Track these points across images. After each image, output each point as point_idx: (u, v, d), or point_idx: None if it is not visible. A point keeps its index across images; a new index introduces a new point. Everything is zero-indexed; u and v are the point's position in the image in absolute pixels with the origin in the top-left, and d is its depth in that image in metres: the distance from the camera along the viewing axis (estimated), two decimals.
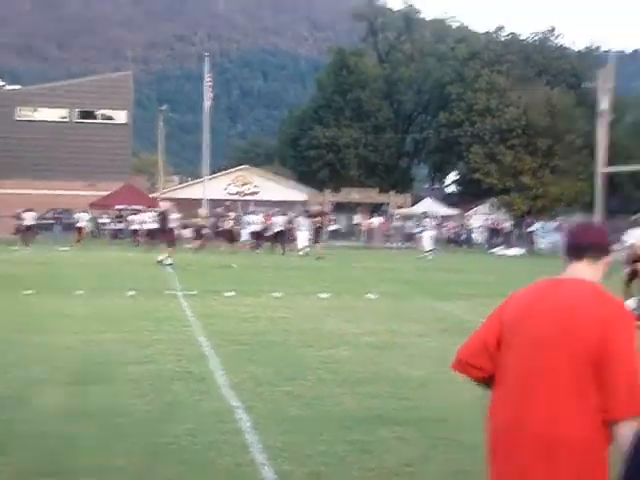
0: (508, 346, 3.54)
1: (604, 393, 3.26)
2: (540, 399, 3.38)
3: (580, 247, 3.58)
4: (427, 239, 41.34)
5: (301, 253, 38.42)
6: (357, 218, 59.12)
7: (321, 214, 39.67)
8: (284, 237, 41.87)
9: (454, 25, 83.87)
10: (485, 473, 6.56)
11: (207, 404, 8.64)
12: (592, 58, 71.12)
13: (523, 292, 3.69)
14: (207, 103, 52.78)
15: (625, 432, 3.20)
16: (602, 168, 51.00)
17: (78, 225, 46.00)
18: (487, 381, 3.69)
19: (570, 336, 3.34)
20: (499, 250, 49.27)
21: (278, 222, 42.90)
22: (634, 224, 19.19)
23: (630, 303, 9.25)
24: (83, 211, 48.45)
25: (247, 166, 65.69)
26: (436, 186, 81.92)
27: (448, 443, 7.45)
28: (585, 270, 3.55)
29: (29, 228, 43.72)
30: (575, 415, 3.27)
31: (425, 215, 47.38)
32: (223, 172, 63.94)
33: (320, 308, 17.84)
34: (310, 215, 39.41)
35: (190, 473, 6.41)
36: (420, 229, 44.43)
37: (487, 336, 3.64)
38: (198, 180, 59.32)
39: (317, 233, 37.77)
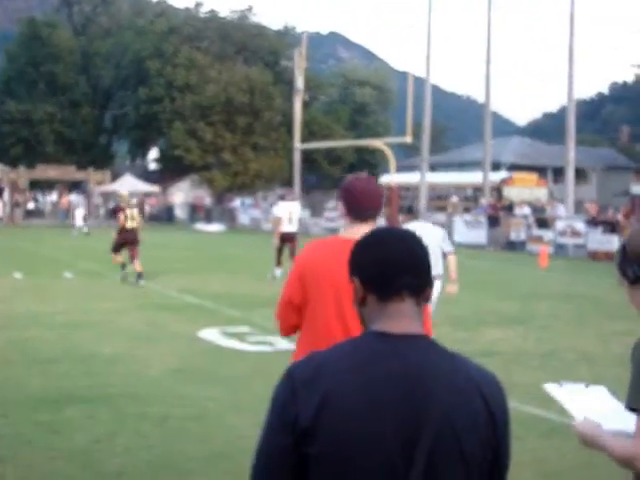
0: (313, 298, 3.78)
1: None
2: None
3: (369, 213, 3.88)
4: (79, 216, 41.53)
5: None
6: (55, 196, 57.42)
7: None
8: None
9: None
10: (175, 442, 6.64)
11: None
12: (289, 38, 73.12)
13: (316, 250, 3.92)
14: None
15: None
16: (299, 145, 52.82)
17: None
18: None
19: None
20: (201, 226, 49.72)
21: None
22: (281, 197, 21.26)
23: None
24: None
25: None
26: (137, 162, 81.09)
27: (138, 417, 7.45)
28: (367, 230, 3.87)
29: None
30: None
31: (78, 192, 47.43)
32: None
33: (13, 289, 17.18)
34: None
35: None
36: (73, 206, 44.28)
37: (291, 296, 3.85)
38: None
39: None
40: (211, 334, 11.82)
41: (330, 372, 1.99)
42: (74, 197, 44.87)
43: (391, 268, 2.08)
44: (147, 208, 57.03)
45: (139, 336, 11.63)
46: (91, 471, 6.02)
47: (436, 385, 1.98)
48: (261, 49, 72.05)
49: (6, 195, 53.27)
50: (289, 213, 19.81)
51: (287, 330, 4.04)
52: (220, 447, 6.68)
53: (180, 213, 58.63)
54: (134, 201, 21.07)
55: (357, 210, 3.87)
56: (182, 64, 65.46)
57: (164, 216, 56.52)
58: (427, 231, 9.99)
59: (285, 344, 11.17)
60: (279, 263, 19.60)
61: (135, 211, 19.20)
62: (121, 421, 7.33)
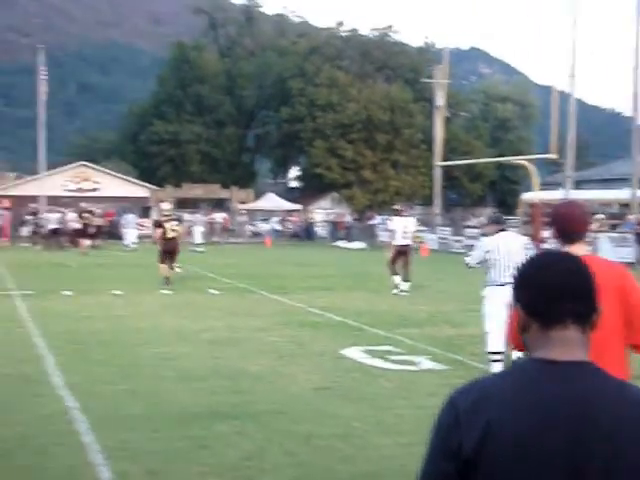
0: None
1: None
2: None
3: (574, 235, 4.24)
4: (197, 233, 42.70)
5: (132, 247, 38.70)
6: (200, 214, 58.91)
7: (88, 211, 40.57)
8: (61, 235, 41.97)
9: (295, 20, 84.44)
10: (322, 461, 6.68)
11: (41, 406, 8.43)
12: (429, 54, 72.99)
13: None
14: (42, 97, 51.31)
15: None
16: (439, 162, 52.49)
17: None
18: None
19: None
20: (341, 244, 50.00)
21: (52, 219, 42.39)
22: (396, 213, 22.19)
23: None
24: None
25: (86, 162, 64.11)
26: (279, 181, 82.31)
27: (285, 435, 7.53)
28: (578, 250, 4.13)
29: None
30: (617, 358, 3.80)
31: (195, 212, 49.01)
32: (61, 168, 62.17)
33: (161, 305, 17.68)
34: (79, 213, 40.39)
35: (23, 479, 6.24)
36: (191, 224, 45.47)
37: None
38: (34, 177, 57.57)
39: (84, 230, 38.67)
40: (354, 352, 11.85)
41: (494, 399, 1.97)
42: (191, 216, 46.44)
43: (553, 294, 2.04)
44: (289, 226, 57.84)
45: (283, 353, 11.77)
46: None
47: (602, 411, 1.94)
48: (402, 66, 72.11)
49: (154, 214, 54.99)
50: (403, 227, 20.92)
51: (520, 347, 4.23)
52: (366, 467, 6.68)
53: (321, 231, 59.11)
54: (174, 215, 23.98)
55: (563, 233, 4.26)
56: (323, 83, 66.18)
57: (304, 234, 57.08)
58: (511, 240, 10.58)
59: (429, 364, 11.11)
60: (395, 272, 20.88)
61: (174, 224, 22.23)
62: (268, 438, 7.42)
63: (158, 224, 22.78)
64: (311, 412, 8.39)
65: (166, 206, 23.61)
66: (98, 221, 43.88)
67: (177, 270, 22.43)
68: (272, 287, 21.60)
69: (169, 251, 21.88)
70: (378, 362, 11.17)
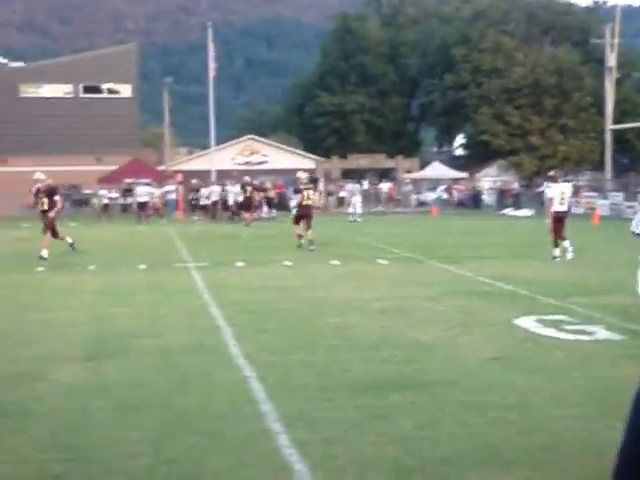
0: None
1: None
2: None
3: None
4: (357, 203, 42.66)
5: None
6: (365, 184, 59.16)
7: (250, 185, 41.15)
8: (217, 207, 44.62)
9: None
10: (497, 432, 6.63)
11: (219, 375, 8.69)
12: (599, 14, 70.54)
13: None
14: (211, 73, 52.65)
15: None
16: (611, 126, 50.79)
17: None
18: None
19: None
20: (509, 211, 49.23)
21: (214, 192, 44.24)
22: (552, 179, 22.06)
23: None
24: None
25: (254, 135, 65.46)
26: (444, 149, 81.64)
27: (458, 405, 7.49)
28: None
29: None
30: None
31: (356, 181, 49.11)
32: (230, 142, 63.73)
33: (331, 275, 17.91)
34: (242, 185, 41.39)
35: (203, 444, 6.46)
36: (349, 194, 45.66)
37: None
38: (205, 152, 59.27)
39: (246, 203, 39.73)
40: (527, 322, 11.66)
41: None
42: (350, 186, 46.85)
43: None
44: (455, 194, 57.32)
45: (453, 323, 11.70)
46: (416, 457, 6.13)
47: None
48: (569, 28, 70.05)
49: (321, 185, 55.67)
50: (561, 193, 20.64)
51: None
52: (543, 439, 6.57)
53: (487, 199, 58.33)
54: (310, 184, 26.00)
55: None
56: (488, 48, 65.08)
57: (471, 202, 56.46)
58: None
59: (605, 334, 10.81)
60: (557, 244, 20.44)
61: (310, 192, 24.46)
62: (442, 408, 7.40)
63: (298, 191, 24.97)
64: (484, 382, 8.32)
65: (302, 175, 25.24)
66: (270, 194, 45.08)
67: (310, 237, 23.96)
68: (440, 256, 21.51)
69: (304, 216, 24.12)
70: (551, 332, 10.95)
